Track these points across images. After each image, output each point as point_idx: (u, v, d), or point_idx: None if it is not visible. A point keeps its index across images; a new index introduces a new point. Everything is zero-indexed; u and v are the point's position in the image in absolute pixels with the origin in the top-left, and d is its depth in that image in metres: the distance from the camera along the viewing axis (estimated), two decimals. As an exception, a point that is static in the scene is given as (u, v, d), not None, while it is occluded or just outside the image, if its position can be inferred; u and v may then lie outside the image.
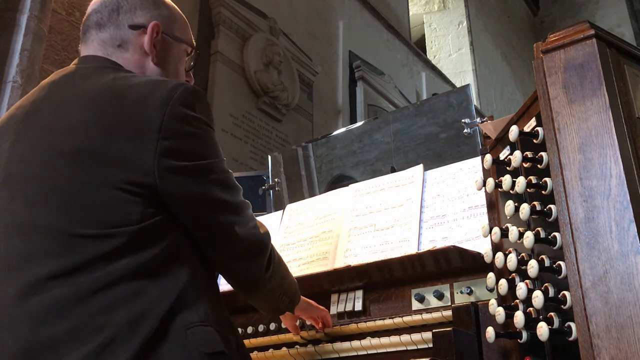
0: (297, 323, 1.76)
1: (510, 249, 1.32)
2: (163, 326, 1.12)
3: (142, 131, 1.17)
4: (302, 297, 1.59)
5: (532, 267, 1.18)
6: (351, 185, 2.16)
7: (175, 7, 1.50)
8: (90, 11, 1.42)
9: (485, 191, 1.50)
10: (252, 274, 1.35)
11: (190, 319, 1.16)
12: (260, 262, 1.35)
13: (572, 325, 1.10)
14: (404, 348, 1.51)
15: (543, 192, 1.21)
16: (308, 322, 1.77)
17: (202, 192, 1.24)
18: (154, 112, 1.18)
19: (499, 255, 1.33)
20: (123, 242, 1.14)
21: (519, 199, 1.30)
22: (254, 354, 1.78)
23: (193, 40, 1.53)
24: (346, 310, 1.77)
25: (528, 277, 1.22)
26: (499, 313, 1.27)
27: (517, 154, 1.27)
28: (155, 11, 1.42)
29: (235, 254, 1.32)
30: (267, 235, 1.40)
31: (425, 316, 1.54)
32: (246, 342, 1.83)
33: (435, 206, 1.88)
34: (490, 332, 1.29)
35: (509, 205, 1.28)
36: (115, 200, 1.15)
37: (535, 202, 1.23)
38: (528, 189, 1.25)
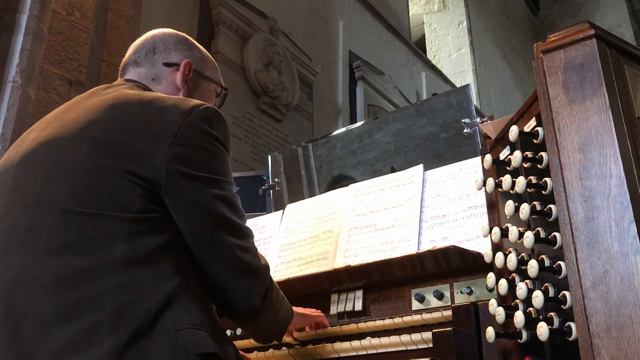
0: None
1: (510, 249, 1.32)
2: (151, 322, 1.10)
3: (159, 133, 1.23)
4: (294, 309, 1.55)
5: (532, 267, 1.18)
6: (351, 185, 2.16)
7: (207, 52, 1.64)
8: (129, 52, 1.55)
9: (485, 191, 1.50)
10: (248, 300, 1.32)
11: (182, 320, 1.14)
12: (257, 289, 1.33)
13: (572, 325, 1.10)
14: (404, 348, 1.51)
15: (543, 192, 1.21)
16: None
17: (205, 202, 1.26)
18: (173, 120, 1.25)
19: (499, 255, 1.33)
20: (120, 228, 1.15)
21: (519, 199, 1.30)
22: (253, 354, 1.78)
23: (222, 82, 1.64)
24: (346, 310, 1.76)
25: (528, 277, 1.22)
26: (499, 313, 1.27)
27: (517, 154, 1.27)
28: (188, 52, 1.55)
29: (232, 276, 1.29)
30: (266, 267, 1.39)
31: (425, 316, 1.54)
32: (246, 342, 1.84)
33: (435, 206, 1.88)
34: (490, 332, 1.29)
35: (509, 205, 1.28)
36: (120, 186, 1.18)
37: (535, 202, 1.23)
38: (528, 189, 1.25)
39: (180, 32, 1.60)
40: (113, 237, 1.14)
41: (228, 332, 1.91)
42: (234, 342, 1.60)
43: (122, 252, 1.14)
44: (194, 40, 1.61)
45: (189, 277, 1.22)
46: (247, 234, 1.35)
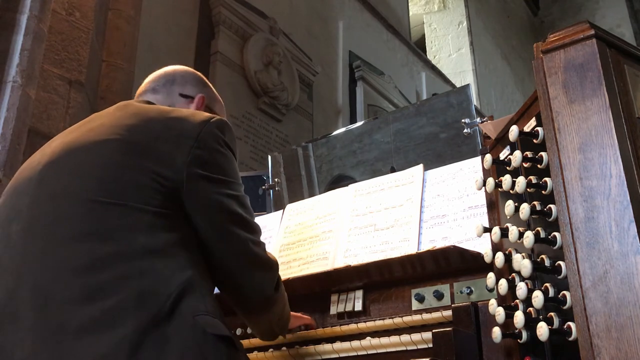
0: None
1: (510, 248, 1.32)
2: (171, 306, 1.18)
3: (180, 137, 1.35)
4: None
5: (526, 267, 1.18)
6: (351, 185, 2.16)
7: (217, 94, 1.78)
8: (147, 81, 1.68)
9: (485, 191, 1.50)
10: (262, 290, 1.46)
11: (198, 308, 1.23)
12: (270, 279, 1.47)
13: (572, 325, 1.10)
14: (404, 348, 1.51)
15: (543, 192, 1.21)
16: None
17: (221, 201, 1.37)
18: (193, 126, 1.37)
19: (499, 255, 1.33)
20: (141, 220, 1.24)
21: (519, 199, 1.30)
22: (254, 354, 1.78)
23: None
24: (346, 310, 1.76)
25: (528, 277, 1.22)
26: (499, 313, 1.27)
27: (517, 154, 1.27)
28: (202, 88, 1.71)
29: (247, 267, 1.42)
30: (276, 261, 1.53)
31: (425, 316, 1.54)
32: (246, 342, 1.84)
33: (435, 206, 1.88)
34: (496, 332, 1.28)
35: (509, 205, 1.28)
36: (143, 182, 1.28)
37: (535, 202, 1.23)
38: (528, 189, 1.25)
39: (197, 72, 1.75)
40: (135, 227, 1.24)
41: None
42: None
43: (143, 241, 1.23)
44: (207, 80, 1.76)
45: (202, 272, 1.32)
46: (258, 230, 1.47)
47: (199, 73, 1.75)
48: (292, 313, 1.69)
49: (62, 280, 1.18)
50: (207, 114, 1.44)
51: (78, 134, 1.40)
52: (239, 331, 1.91)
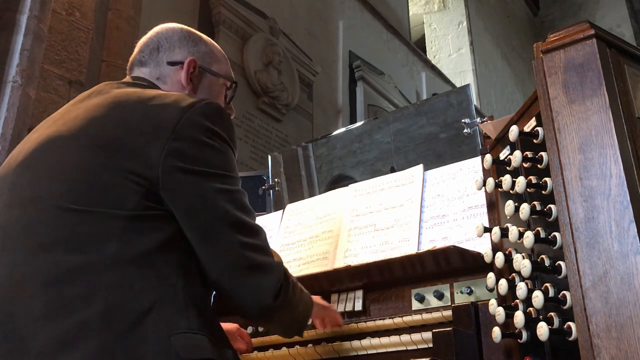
0: None
1: (510, 248, 1.32)
2: (141, 324, 1.07)
3: (157, 129, 1.21)
4: (314, 299, 1.52)
5: (526, 266, 1.18)
6: (351, 185, 2.16)
7: (215, 44, 1.59)
8: (135, 51, 1.53)
9: (485, 191, 1.50)
10: (257, 300, 1.26)
11: (178, 324, 1.10)
12: (267, 287, 1.27)
13: (572, 325, 1.10)
14: (404, 348, 1.51)
15: (543, 192, 1.21)
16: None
17: (205, 196, 1.21)
18: (172, 116, 1.22)
19: (499, 255, 1.33)
20: (113, 226, 1.13)
21: (519, 199, 1.30)
22: (253, 354, 1.78)
23: (232, 74, 1.59)
24: (346, 310, 1.76)
25: (528, 277, 1.23)
26: (499, 313, 1.27)
27: (517, 154, 1.27)
28: (193, 48, 1.50)
29: (236, 274, 1.24)
30: (279, 264, 1.33)
31: (425, 316, 1.54)
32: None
33: (435, 206, 1.88)
34: (496, 332, 1.28)
35: (509, 205, 1.28)
36: (115, 183, 1.16)
37: (535, 202, 1.23)
38: (528, 189, 1.25)
39: (185, 27, 1.55)
40: (106, 235, 1.12)
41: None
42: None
43: (114, 250, 1.11)
44: (200, 34, 1.56)
45: (190, 277, 1.19)
46: (255, 231, 1.29)
47: (187, 28, 1.55)
48: (319, 301, 1.56)
49: (27, 295, 1.09)
50: (194, 99, 1.27)
51: (54, 127, 1.28)
52: (249, 329, 1.88)
